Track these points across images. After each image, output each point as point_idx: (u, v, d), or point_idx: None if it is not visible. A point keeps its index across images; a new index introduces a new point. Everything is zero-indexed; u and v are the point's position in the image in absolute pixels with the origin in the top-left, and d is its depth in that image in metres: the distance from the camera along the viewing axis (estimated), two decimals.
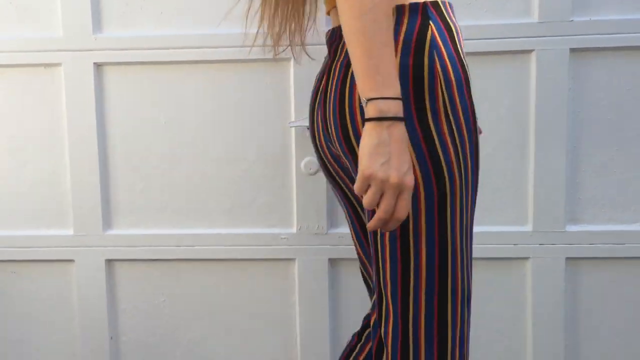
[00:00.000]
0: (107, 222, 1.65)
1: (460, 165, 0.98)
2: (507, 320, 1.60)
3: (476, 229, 1.57)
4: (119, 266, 1.66)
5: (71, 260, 1.66)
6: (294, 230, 1.60)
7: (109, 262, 1.66)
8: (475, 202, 1.05)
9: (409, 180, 0.90)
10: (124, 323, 1.68)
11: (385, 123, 0.89)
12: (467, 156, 0.99)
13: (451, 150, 0.98)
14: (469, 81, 1.01)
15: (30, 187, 1.65)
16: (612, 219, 1.55)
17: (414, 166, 0.96)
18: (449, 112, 0.97)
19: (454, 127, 0.98)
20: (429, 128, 0.97)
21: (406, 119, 0.96)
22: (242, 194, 1.61)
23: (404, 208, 0.91)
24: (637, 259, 1.55)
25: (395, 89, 0.90)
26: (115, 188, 1.64)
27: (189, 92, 1.59)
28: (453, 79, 0.98)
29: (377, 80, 0.89)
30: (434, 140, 0.97)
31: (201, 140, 1.60)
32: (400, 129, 0.90)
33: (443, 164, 0.97)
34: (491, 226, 1.57)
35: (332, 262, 1.61)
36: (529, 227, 1.56)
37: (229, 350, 1.67)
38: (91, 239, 1.65)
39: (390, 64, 0.90)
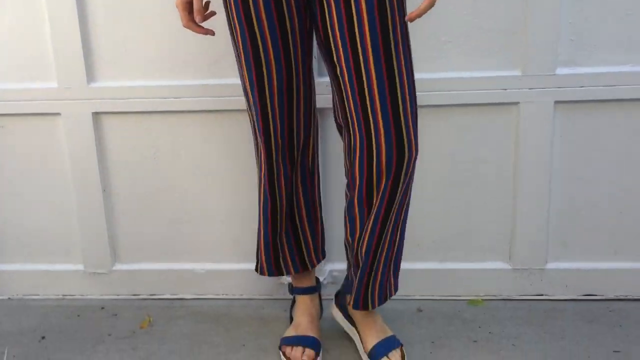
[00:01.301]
0: (91, 75, 1.62)
1: None
2: (495, 166, 1.62)
3: (464, 74, 1.55)
4: (105, 119, 1.65)
5: (57, 114, 1.65)
6: None
7: (96, 115, 1.65)
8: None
9: None
10: (115, 176, 1.70)
11: None
12: None
13: None
14: None
15: (9, 37, 1.60)
16: (604, 61, 1.52)
17: None
18: None
19: None
20: None
21: None
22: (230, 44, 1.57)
23: None
24: (627, 101, 1.54)
25: None
26: (96, 38, 1.60)
27: None
28: None
29: None
30: None
31: None
32: None
33: None
34: (480, 71, 1.54)
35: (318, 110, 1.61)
36: (518, 72, 1.54)
37: (224, 203, 1.70)
38: (76, 92, 1.62)
39: None
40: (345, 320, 1.52)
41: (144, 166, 1.69)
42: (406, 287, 1.59)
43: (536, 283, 1.67)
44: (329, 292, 1.71)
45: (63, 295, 1.79)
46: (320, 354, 1.45)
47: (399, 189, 1.27)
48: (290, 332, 1.50)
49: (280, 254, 1.47)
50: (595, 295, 1.66)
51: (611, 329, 1.53)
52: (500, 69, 1.55)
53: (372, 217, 1.30)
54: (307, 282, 1.53)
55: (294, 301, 1.57)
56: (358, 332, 1.47)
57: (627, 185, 1.60)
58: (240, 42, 1.29)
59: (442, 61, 1.55)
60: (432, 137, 1.60)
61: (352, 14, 1.19)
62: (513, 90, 1.55)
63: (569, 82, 1.53)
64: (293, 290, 1.55)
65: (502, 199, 1.64)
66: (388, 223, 1.30)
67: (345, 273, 1.50)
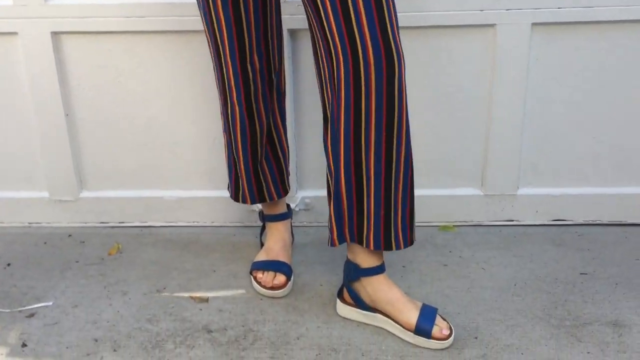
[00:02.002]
0: None
1: None
2: (468, 91, 1.59)
3: None
4: (66, 39, 1.58)
5: (14, 33, 1.56)
6: None
7: (55, 34, 1.57)
8: None
9: None
10: (78, 100, 1.63)
11: None
12: None
13: None
14: None
15: None
16: None
17: None
18: None
19: None
20: None
21: None
22: None
23: None
24: (605, 23, 1.50)
25: None
26: None
27: None
28: None
29: None
30: None
31: None
32: None
33: None
34: None
35: (291, 32, 1.55)
36: None
37: (193, 129, 1.65)
38: (33, 10, 1.54)
39: None
40: (363, 311, 1.32)
41: (107, 90, 1.62)
42: None
43: (507, 209, 1.67)
44: (300, 220, 1.70)
45: (29, 223, 1.75)
46: (292, 279, 1.45)
47: (391, 99, 1.16)
48: (262, 256, 1.48)
49: (263, 181, 1.44)
50: (565, 220, 1.67)
51: (579, 252, 1.55)
52: None
53: (372, 142, 1.19)
54: (279, 209, 1.51)
55: (263, 227, 1.56)
56: (388, 315, 1.30)
57: (601, 110, 1.59)
58: None
59: None
60: (405, 60, 1.55)
61: None
62: (489, 12, 1.50)
63: (546, 3, 1.49)
64: (264, 217, 1.53)
65: (475, 124, 1.62)
66: (395, 140, 1.19)
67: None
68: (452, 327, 1.28)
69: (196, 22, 1.51)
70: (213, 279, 1.49)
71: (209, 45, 1.32)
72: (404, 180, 1.23)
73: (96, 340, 1.31)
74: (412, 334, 1.27)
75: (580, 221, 1.67)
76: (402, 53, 1.16)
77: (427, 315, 1.28)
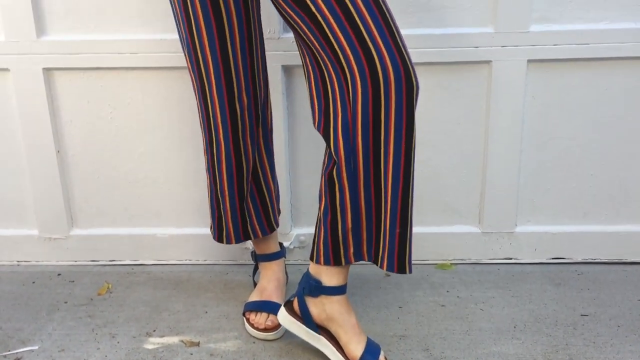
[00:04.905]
0: (41, 27, 1.52)
1: None
2: (467, 126, 1.57)
3: (436, 31, 1.49)
4: (58, 75, 1.56)
5: (6, 69, 1.55)
6: None
7: (47, 70, 1.55)
8: None
9: None
10: (70, 136, 1.61)
11: None
12: None
13: None
14: None
15: None
16: (578, 18, 1.48)
17: None
18: None
19: None
20: None
21: None
22: None
23: None
24: (601, 60, 1.50)
25: None
26: None
27: None
28: None
29: None
30: None
31: None
32: None
33: None
34: (451, 28, 1.49)
35: (285, 68, 1.54)
36: (490, 29, 1.48)
37: (185, 166, 1.63)
38: (25, 46, 1.52)
39: None
40: (308, 329, 1.27)
41: (100, 126, 1.60)
42: None
43: (505, 247, 1.64)
44: (296, 258, 1.67)
45: (17, 261, 1.71)
46: None
47: (410, 119, 1.13)
48: (255, 296, 1.45)
49: (248, 218, 1.40)
50: (564, 258, 1.64)
51: (579, 292, 1.52)
52: (473, 25, 1.49)
53: (391, 160, 1.15)
54: (271, 248, 1.48)
55: (256, 267, 1.52)
56: (336, 338, 1.26)
57: (598, 146, 1.57)
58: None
59: (413, 18, 1.49)
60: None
61: None
62: (485, 48, 1.49)
63: (542, 40, 1.48)
64: (257, 257, 1.49)
65: (472, 160, 1.60)
66: (410, 162, 1.17)
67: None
68: None
69: None
70: (204, 320, 1.45)
71: (192, 83, 1.30)
72: (411, 204, 1.20)
73: None
74: None
75: (580, 259, 1.64)
76: (416, 74, 1.13)
77: (373, 351, 1.23)
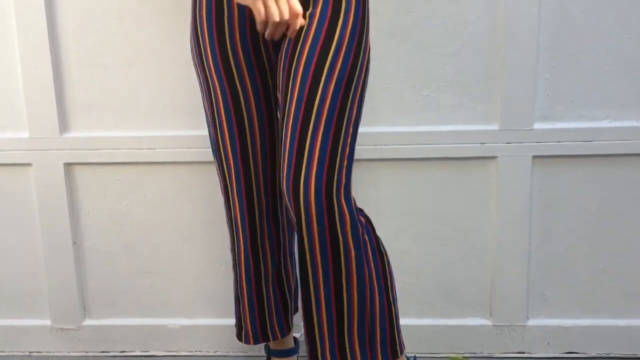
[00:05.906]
0: (64, 125, 1.59)
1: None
2: (473, 221, 1.59)
3: (442, 128, 1.54)
4: (78, 170, 1.62)
5: (28, 164, 1.61)
6: None
7: (68, 165, 1.61)
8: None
9: None
10: (87, 228, 1.65)
11: None
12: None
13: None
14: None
15: None
16: (581, 116, 1.52)
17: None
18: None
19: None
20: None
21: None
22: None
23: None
24: (605, 157, 1.53)
25: None
26: (70, 88, 1.57)
27: None
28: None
29: None
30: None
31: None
32: None
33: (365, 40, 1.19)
34: (457, 125, 1.54)
35: None
36: (495, 126, 1.53)
37: (197, 257, 1.66)
38: (48, 142, 1.59)
39: None
40: None
41: (116, 218, 1.65)
42: None
43: (517, 340, 1.63)
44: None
45: (29, 352, 1.71)
46: None
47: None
48: None
49: (268, 320, 1.38)
50: (577, 352, 1.62)
51: None
52: (478, 123, 1.54)
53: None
54: (286, 345, 1.46)
55: (268, 358, 1.51)
56: None
57: (605, 241, 1.58)
58: (219, 95, 1.25)
59: (421, 115, 1.54)
60: (410, 191, 1.58)
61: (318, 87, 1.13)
62: (491, 144, 1.54)
63: (546, 137, 1.52)
64: (270, 352, 1.48)
65: (481, 254, 1.61)
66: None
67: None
68: None
69: (203, 153, 1.56)
70: None
71: (220, 183, 1.34)
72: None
73: None
74: None
75: (593, 354, 1.62)
76: (345, 209, 1.12)
77: None
